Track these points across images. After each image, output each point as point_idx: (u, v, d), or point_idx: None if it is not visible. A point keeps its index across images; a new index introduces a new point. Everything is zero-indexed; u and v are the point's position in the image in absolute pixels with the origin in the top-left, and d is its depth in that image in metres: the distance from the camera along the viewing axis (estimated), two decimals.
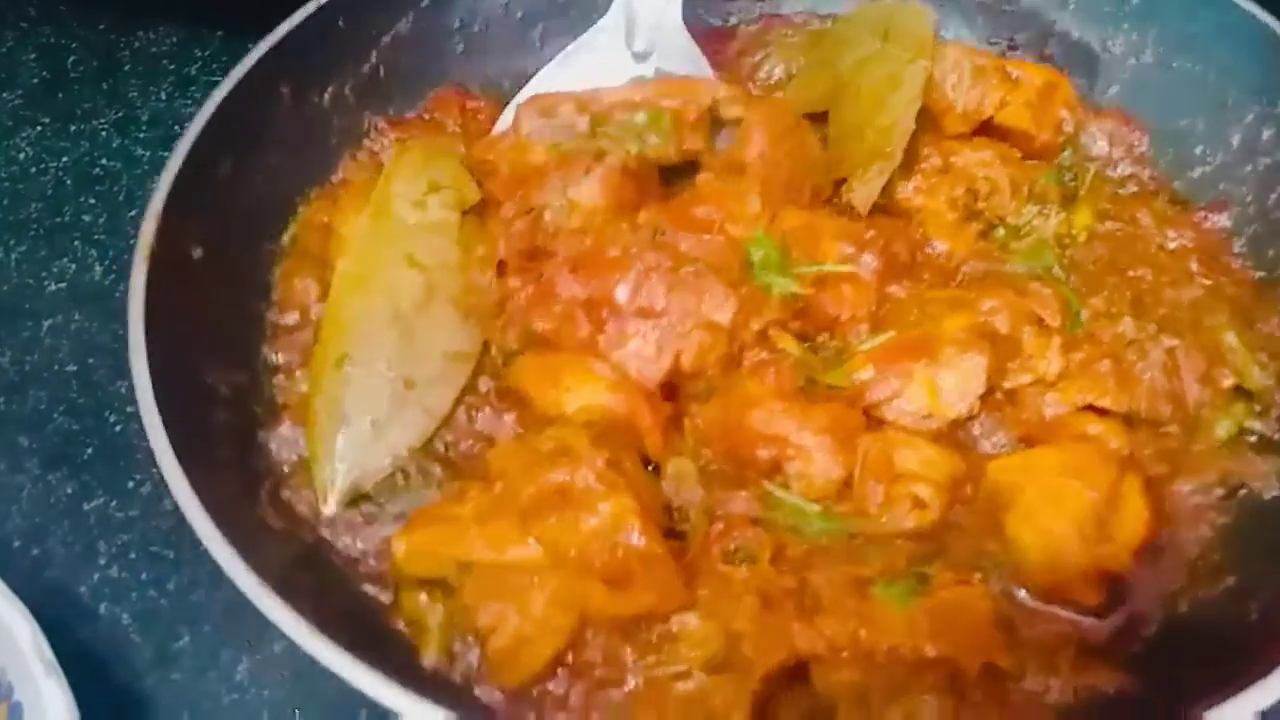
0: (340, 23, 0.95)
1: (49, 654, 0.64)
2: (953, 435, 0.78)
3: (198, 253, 0.82)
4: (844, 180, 0.90)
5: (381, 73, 0.99)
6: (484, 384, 0.82)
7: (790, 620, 0.66)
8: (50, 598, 0.73)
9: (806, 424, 0.75)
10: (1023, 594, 0.72)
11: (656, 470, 0.76)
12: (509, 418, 0.79)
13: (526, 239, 0.84)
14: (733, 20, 1.10)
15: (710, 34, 1.06)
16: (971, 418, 0.78)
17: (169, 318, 0.76)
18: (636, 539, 0.67)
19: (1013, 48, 1.03)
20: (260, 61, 0.89)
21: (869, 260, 0.84)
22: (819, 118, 0.95)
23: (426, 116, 1.00)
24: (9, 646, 0.64)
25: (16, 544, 0.85)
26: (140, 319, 0.73)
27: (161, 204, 0.79)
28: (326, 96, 0.96)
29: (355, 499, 0.77)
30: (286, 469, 0.78)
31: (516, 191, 0.86)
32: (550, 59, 1.00)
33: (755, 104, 0.94)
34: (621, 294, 0.80)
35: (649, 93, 0.92)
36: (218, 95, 0.86)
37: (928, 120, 0.91)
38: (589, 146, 0.89)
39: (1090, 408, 0.78)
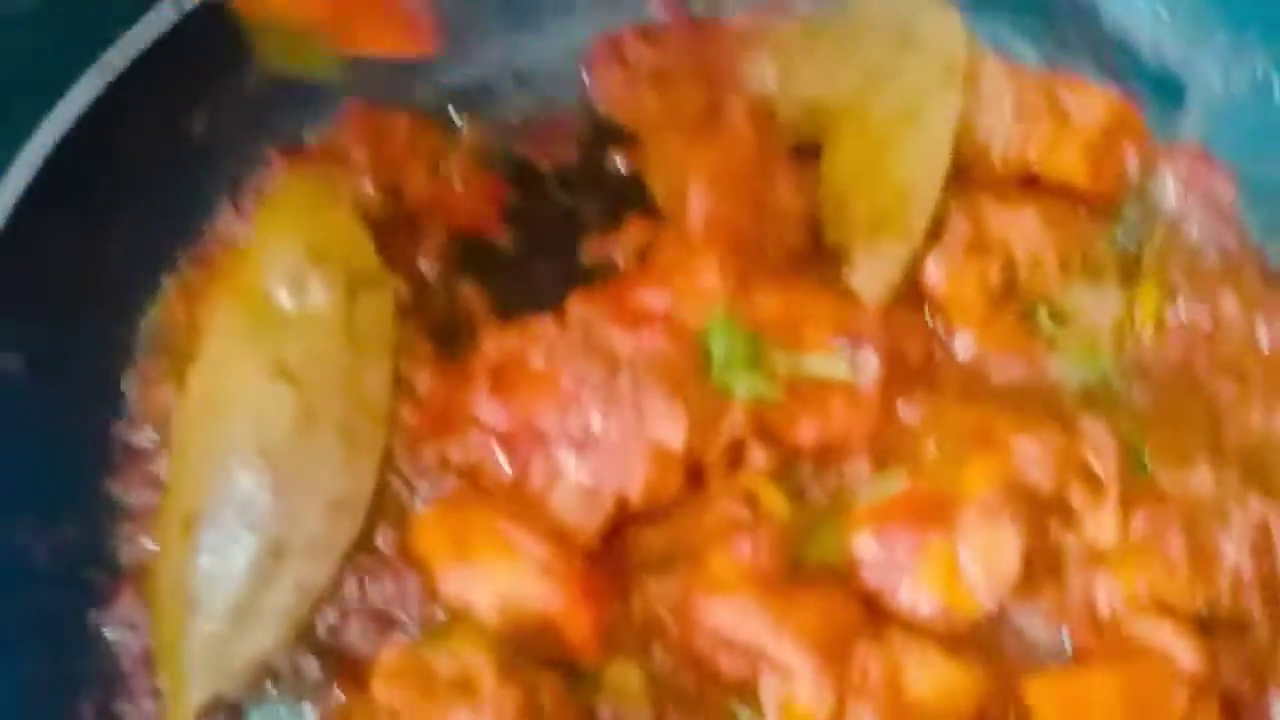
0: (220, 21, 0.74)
1: None
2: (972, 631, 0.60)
3: (15, 362, 0.64)
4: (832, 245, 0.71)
5: (271, 85, 0.78)
6: (382, 537, 0.64)
7: None
8: None
9: (786, 625, 0.57)
10: None
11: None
12: (414, 585, 0.62)
13: None
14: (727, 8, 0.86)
15: (696, 27, 0.83)
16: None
17: None
18: None
19: (1062, 47, 0.81)
20: (117, 79, 0.69)
21: (870, 361, 0.65)
22: (808, 152, 0.75)
23: (331, 141, 0.80)
24: None
25: None
26: None
27: None
28: (198, 119, 0.75)
29: (211, 709, 0.60)
30: (125, 666, 0.61)
31: None
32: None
33: (697, 143, 0.74)
34: (547, 421, 0.63)
35: None
36: (52, 131, 0.67)
37: (954, 168, 0.71)
38: None
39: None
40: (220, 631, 0.60)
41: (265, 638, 0.61)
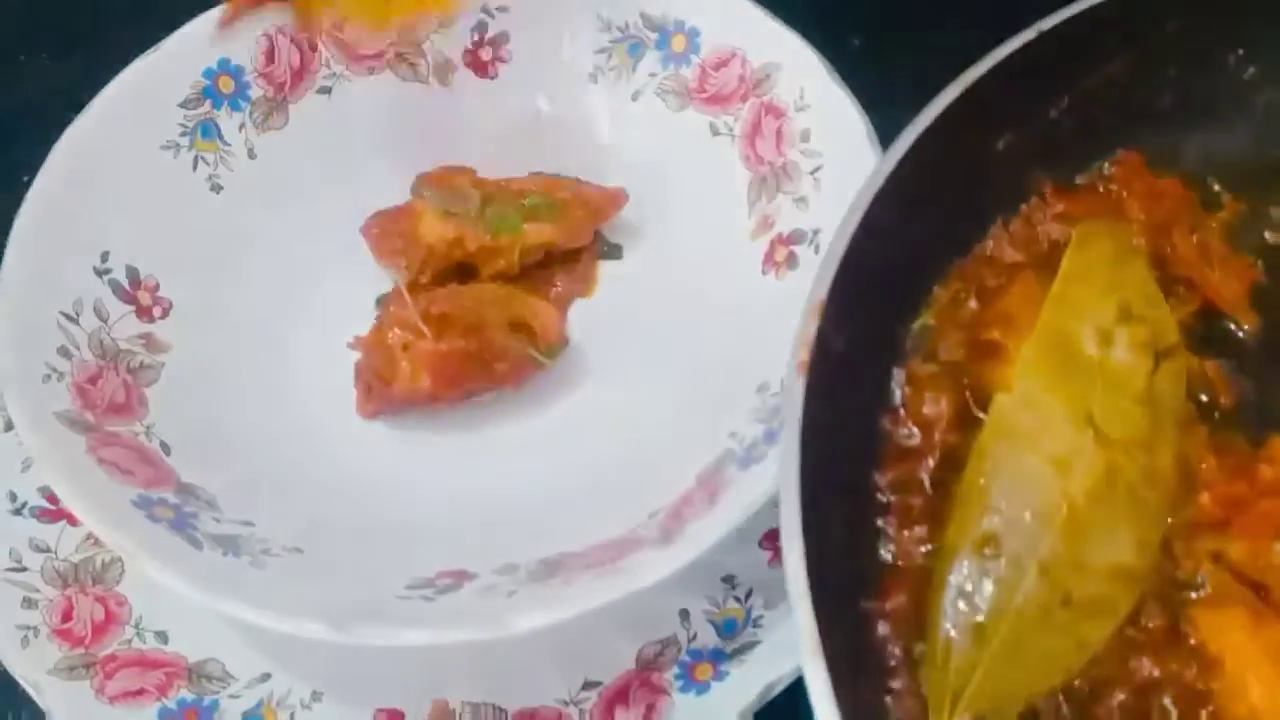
0: (1051, 55, 0.75)
1: None
2: None
3: (840, 344, 0.66)
4: None
5: (1065, 122, 0.79)
6: (1149, 616, 0.63)
7: None
8: None
9: None
10: None
11: None
12: (1187, 675, 0.61)
13: None
14: None
15: None
16: None
17: (810, 431, 0.62)
18: None
19: None
20: (966, 94, 0.72)
21: None
22: None
23: (1102, 189, 0.79)
24: None
25: None
26: (796, 446, 0.60)
27: (827, 287, 0.64)
28: (1001, 144, 0.77)
29: None
30: (892, 661, 0.63)
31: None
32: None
33: None
34: None
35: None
36: (909, 136, 0.69)
37: None
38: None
39: None
40: (998, 659, 0.61)
41: (1039, 679, 0.61)
